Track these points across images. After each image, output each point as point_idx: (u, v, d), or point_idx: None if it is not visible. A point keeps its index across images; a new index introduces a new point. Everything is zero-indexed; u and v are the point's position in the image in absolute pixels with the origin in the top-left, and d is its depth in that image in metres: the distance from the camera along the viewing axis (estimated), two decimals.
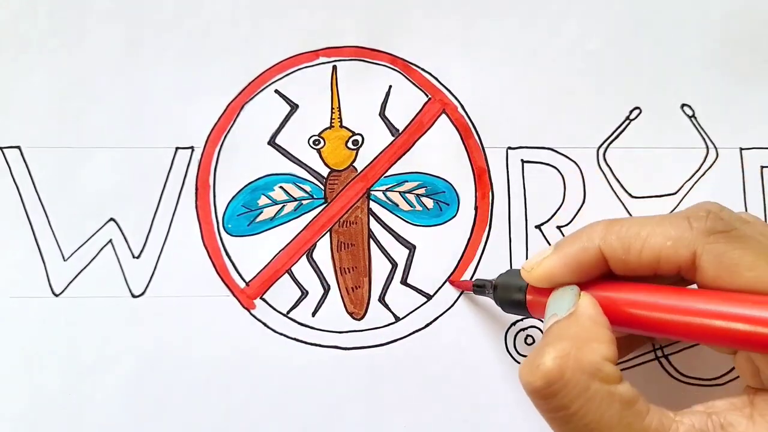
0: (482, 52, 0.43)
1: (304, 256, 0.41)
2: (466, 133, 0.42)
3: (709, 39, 0.44)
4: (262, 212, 0.42)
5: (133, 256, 0.41)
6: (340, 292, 0.41)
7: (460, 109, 0.43)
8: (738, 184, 0.42)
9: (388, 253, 0.41)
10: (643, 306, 0.30)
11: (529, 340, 0.41)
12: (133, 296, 0.41)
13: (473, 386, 0.40)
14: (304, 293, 0.41)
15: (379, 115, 0.43)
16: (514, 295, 0.35)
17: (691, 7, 0.44)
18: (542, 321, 0.33)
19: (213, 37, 0.43)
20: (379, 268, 0.41)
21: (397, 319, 0.41)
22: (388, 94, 0.43)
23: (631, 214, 0.42)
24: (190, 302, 0.40)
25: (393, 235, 0.42)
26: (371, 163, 0.42)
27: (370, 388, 0.40)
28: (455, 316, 0.41)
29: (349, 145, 0.42)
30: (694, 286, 0.31)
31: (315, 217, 0.42)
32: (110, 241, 0.41)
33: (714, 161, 0.43)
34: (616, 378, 0.28)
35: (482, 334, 0.41)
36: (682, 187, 0.42)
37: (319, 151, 0.42)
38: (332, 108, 0.43)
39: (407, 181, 0.42)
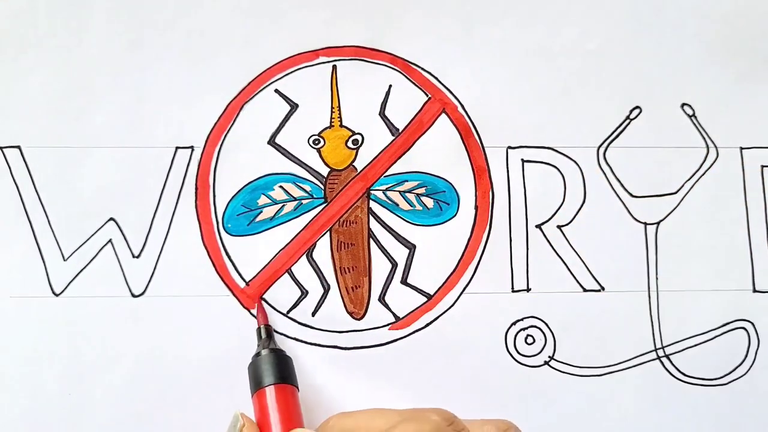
0: (482, 51, 0.43)
1: (304, 256, 0.41)
2: (466, 132, 0.42)
3: (709, 39, 0.44)
4: (261, 212, 0.41)
5: (133, 256, 0.41)
6: (340, 292, 0.41)
7: (460, 109, 0.43)
8: (738, 184, 0.42)
9: (388, 253, 0.41)
10: None
11: (530, 340, 0.41)
12: (133, 296, 0.41)
13: (473, 386, 0.40)
14: (304, 293, 0.41)
15: (379, 114, 0.43)
16: (254, 379, 0.37)
17: (691, 7, 0.44)
18: None
19: (213, 37, 0.43)
20: (379, 267, 0.41)
21: (397, 318, 0.41)
22: (388, 93, 0.43)
23: (631, 214, 0.42)
24: (190, 302, 0.40)
25: (393, 235, 0.41)
26: (371, 162, 0.42)
27: (370, 388, 0.40)
28: (455, 316, 0.41)
29: (349, 144, 0.42)
30: None
31: (315, 216, 0.42)
32: (110, 240, 0.41)
33: (714, 161, 0.43)
34: None
35: (482, 334, 0.41)
36: (682, 186, 0.42)
37: (319, 150, 0.42)
38: (332, 107, 0.43)
39: (407, 181, 0.42)
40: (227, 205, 0.42)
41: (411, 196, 0.42)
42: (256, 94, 0.42)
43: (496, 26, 0.43)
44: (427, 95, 0.43)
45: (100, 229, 0.41)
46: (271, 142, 0.42)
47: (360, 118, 0.42)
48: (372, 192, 0.42)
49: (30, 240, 0.41)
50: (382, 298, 0.41)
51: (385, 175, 0.42)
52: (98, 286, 0.41)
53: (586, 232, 0.42)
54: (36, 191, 0.41)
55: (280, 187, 0.42)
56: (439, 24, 0.43)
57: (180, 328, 0.40)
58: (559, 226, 0.42)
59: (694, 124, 0.43)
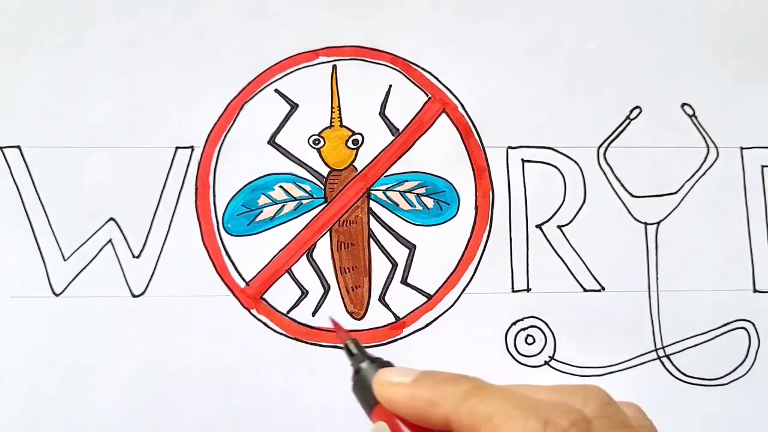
0: (482, 51, 0.43)
1: (304, 256, 0.41)
2: (467, 132, 0.42)
3: (709, 39, 0.44)
4: (262, 212, 0.41)
5: (133, 256, 0.41)
6: (340, 292, 0.41)
7: (460, 109, 0.43)
8: (739, 184, 0.42)
9: (388, 253, 0.41)
10: None
11: (530, 340, 0.40)
12: (133, 296, 0.41)
13: None
14: (304, 293, 0.41)
15: (379, 114, 0.43)
16: (367, 396, 0.30)
17: (691, 7, 0.44)
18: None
19: (213, 37, 0.43)
20: (379, 267, 0.41)
21: (397, 318, 0.41)
22: (388, 93, 0.43)
23: (632, 214, 0.42)
24: (190, 302, 0.40)
25: (393, 235, 0.41)
26: (371, 162, 0.42)
27: None
28: (455, 316, 0.41)
29: (349, 144, 0.42)
30: None
31: (315, 216, 0.42)
32: (110, 240, 0.41)
33: (714, 160, 0.43)
34: None
35: (482, 334, 0.41)
36: (682, 186, 0.42)
37: (319, 150, 0.42)
38: (332, 107, 0.43)
39: (407, 181, 0.42)
40: (227, 205, 0.41)
41: (411, 196, 0.42)
42: (256, 94, 0.42)
43: (496, 26, 0.43)
44: (427, 95, 0.43)
45: (100, 229, 0.41)
46: (271, 142, 0.42)
47: (360, 118, 0.42)
48: (372, 192, 0.42)
49: (30, 240, 0.41)
50: (382, 298, 0.41)
51: (385, 175, 0.42)
52: (98, 286, 0.41)
53: (586, 232, 0.42)
54: (36, 191, 0.41)
55: (280, 187, 0.42)
56: (440, 24, 0.43)
57: (180, 328, 0.40)
58: (559, 226, 0.42)
59: (694, 124, 0.43)
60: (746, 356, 0.41)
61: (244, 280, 0.41)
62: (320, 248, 0.41)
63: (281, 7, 0.43)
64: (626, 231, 0.42)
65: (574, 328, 0.41)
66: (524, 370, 0.40)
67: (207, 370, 0.40)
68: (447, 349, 0.40)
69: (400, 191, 0.42)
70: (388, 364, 0.31)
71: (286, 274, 0.41)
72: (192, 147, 0.42)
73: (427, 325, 0.41)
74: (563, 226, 0.42)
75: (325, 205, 0.42)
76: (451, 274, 0.41)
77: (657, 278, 0.41)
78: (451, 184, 0.42)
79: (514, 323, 0.41)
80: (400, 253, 0.41)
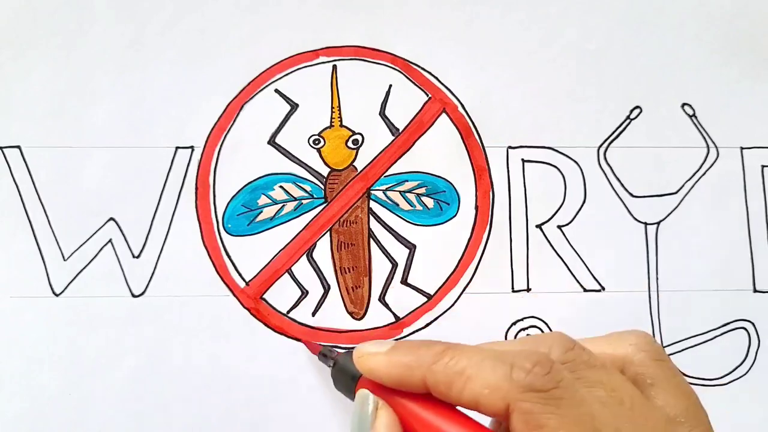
0: (482, 51, 0.43)
1: (304, 256, 0.41)
2: (467, 132, 0.42)
3: (709, 39, 0.44)
4: (262, 212, 0.41)
5: (133, 256, 0.41)
6: (340, 292, 0.41)
7: (460, 109, 0.43)
8: (739, 184, 0.42)
9: (388, 253, 0.41)
10: None
11: None
12: (133, 296, 0.41)
13: None
14: (304, 293, 0.41)
15: (380, 114, 0.43)
16: (348, 381, 0.32)
17: (692, 7, 0.44)
18: None
19: (213, 37, 0.43)
20: (380, 267, 0.41)
21: (398, 318, 0.41)
22: (388, 93, 0.43)
23: (632, 214, 0.42)
24: (190, 302, 0.40)
25: (393, 235, 0.41)
26: (371, 162, 0.42)
27: None
28: (455, 316, 0.41)
29: (349, 144, 0.42)
30: None
31: (315, 216, 0.42)
32: (110, 240, 0.41)
33: (715, 160, 0.43)
34: None
35: (482, 334, 0.41)
36: (683, 186, 0.42)
37: (319, 150, 0.42)
38: (332, 107, 0.43)
39: (407, 181, 0.42)
40: (227, 205, 0.41)
41: (411, 196, 0.42)
42: (256, 94, 0.42)
43: (496, 26, 0.43)
44: (427, 95, 0.43)
45: (100, 229, 0.41)
46: (271, 142, 0.42)
47: (360, 117, 0.42)
48: (372, 192, 0.42)
49: (30, 240, 0.41)
50: (382, 298, 0.41)
51: (385, 175, 0.42)
52: (98, 286, 0.41)
53: (586, 232, 0.42)
54: (36, 191, 0.41)
55: (280, 187, 0.42)
56: (440, 24, 0.43)
57: (180, 328, 0.40)
58: (559, 226, 0.42)
59: (695, 124, 0.43)
60: (746, 356, 0.41)
61: (244, 280, 0.41)
62: (320, 248, 0.41)
63: (281, 7, 0.43)
64: (626, 231, 0.42)
65: (574, 328, 0.41)
66: None
67: (207, 370, 0.40)
68: None
69: (400, 191, 0.42)
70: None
71: (286, 274, 0.41)
72: (192, 147, 0.42)
73: (427, 325, 0.41)
74: (563, 226, 0.42)
75: (325, 205, 0.42)
76: (451, 274, 0.41)
77: (657, 278, 0.41)
78: (451, 184, 0.42)
79: (514, 323, 0.41)
80: (400, 253, 0.41)
